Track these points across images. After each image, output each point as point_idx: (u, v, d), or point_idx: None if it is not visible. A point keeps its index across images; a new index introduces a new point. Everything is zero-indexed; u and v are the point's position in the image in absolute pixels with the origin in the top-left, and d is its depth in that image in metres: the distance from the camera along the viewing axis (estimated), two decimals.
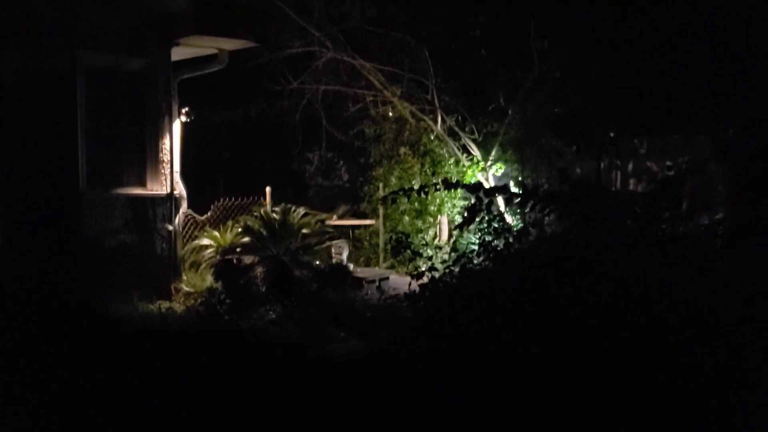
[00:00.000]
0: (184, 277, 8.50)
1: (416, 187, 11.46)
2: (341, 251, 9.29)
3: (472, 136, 10.55)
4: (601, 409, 3.40)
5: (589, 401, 3.42)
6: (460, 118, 10.72)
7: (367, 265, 10.93)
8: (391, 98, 10.64)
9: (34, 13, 7.41)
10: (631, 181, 11.14)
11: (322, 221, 9.18)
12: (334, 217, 11.39)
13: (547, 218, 4.34)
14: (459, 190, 8.40)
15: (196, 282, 8.40)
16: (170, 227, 8.36)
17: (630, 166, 11.11)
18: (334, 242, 9.19)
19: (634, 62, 9.80)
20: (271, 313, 7.29)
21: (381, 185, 11.24)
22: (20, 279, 7.11)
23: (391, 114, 11.19)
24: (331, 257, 9.25)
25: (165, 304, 7.79)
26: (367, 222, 11.64)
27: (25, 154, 7.44)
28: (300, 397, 4.69)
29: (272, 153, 14.26)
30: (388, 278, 9.32)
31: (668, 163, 9.32)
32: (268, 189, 9.74)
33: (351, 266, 9.02)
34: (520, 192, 4.20)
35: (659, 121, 10.32)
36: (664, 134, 10.47)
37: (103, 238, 7.88)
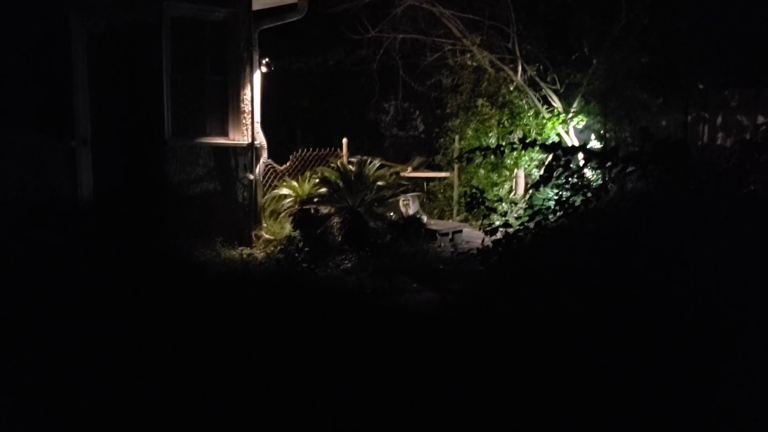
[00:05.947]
0: (264, 225, 8.78)
1: (493, 140, 11.30)
2: (409, 204, 9.26)
3: (554, 87, 10.25)
4: (681, 379, 3.32)
5: (668, 370, 3.34)
6: (541, 67, 10.43)
7: (441, 217, 10.94)
8: (470, 47, 10.44)
9: None
10: (720, 135, 10.68)
11: (397, 173, 9.22)
12: (409, 168, 11.40)
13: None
14: None
15: (275, 230, 8.68)
16: (251, 176, 8.60)
17: (719, 120, 10.64)
18: (402, 196, 9.18)
19: (727, 8, 9.26)
20: (346, 262, 7.46)
21: (457, 137, 11.11)
22: (111, 225, 7.51)
23: (469, 63, 10.98)
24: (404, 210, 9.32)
25: (246, 251, 8.10)
26: (442, 174, 11.56)
27: (114, 105, 7.79)
28: (374, 346, 4.85)
29: (349, 102, 14.33)
30: (461, 231, 9.33)
31: (761, 119, 8.86)
32: (344, 140, 9.84)
33: (425, 218, 9.06)
34: (600, 151, 4.11)
35: (753, 72, 9.77)
36: (758, 86, 9.92)
37: (187, 186, 8.19)
